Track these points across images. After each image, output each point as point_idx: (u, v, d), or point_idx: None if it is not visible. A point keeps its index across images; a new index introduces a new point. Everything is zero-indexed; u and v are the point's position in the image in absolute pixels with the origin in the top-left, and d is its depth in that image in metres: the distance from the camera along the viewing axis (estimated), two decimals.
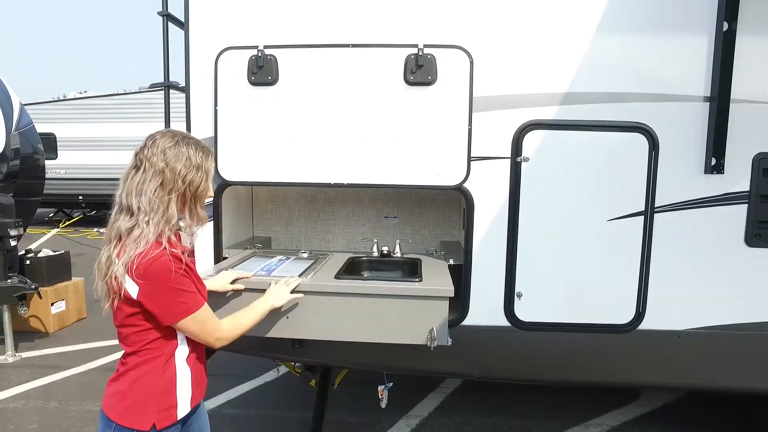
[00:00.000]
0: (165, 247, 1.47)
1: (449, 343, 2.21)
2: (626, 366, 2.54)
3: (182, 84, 2.72)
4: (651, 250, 2.47)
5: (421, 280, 2.28)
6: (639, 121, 2.39)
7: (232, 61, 2.46)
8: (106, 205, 11.34)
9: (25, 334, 5.16)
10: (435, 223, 3.31)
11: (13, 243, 4.56)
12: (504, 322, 2.54)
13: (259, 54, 2.42)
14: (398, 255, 2.89)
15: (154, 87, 12.18)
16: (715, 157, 2.36)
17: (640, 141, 2.40)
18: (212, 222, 2.62)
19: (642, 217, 2.45)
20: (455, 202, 3.29)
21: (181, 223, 1.59)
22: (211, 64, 2.49)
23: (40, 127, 6.69)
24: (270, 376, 4.31)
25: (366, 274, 2.74)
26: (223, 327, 1.68)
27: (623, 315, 2.52)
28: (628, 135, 2.41)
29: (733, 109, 2.32)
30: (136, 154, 1.56)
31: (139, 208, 1.49)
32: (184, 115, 2.64)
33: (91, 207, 13.48)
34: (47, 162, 6.35)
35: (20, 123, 5.54)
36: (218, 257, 2.64)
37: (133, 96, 12.07)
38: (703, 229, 2.44)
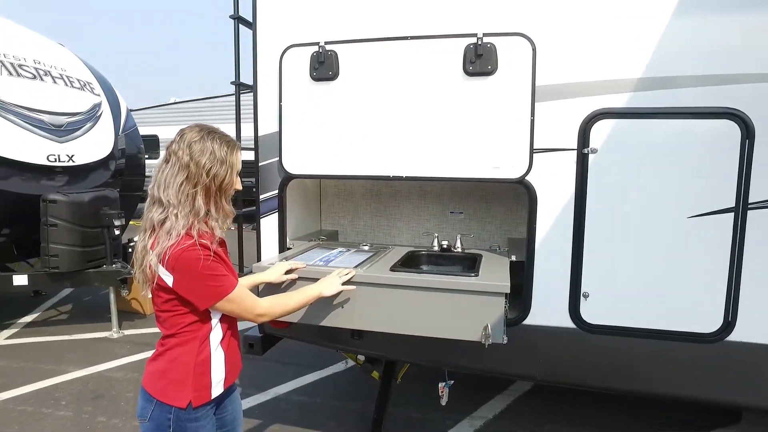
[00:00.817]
0: (195, 240, 1.54)
1: (504, 341, 2.13)
2: (708, 381, 2.29)
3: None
4: (743, 252, 2.21)
5: (477, 276, 2.22)
6: (729, 106, 2.14)
7: (295, 58, 2.56)
8: None
9: (127, 314, 5.74)
10: (502, 219, 3.20)
11: (117, 232, 5.09)
12: (568, 323, 2.39)
13: (320, 50, 2.48)
14: (459, 250, 2.83)
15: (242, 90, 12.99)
16: None
17: (731, 128, 2.15)
18: (277, 213, 2.73)
19: (732, 214, 2.19)
20: (523, 197, 3.15)
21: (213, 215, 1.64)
22: (277, 62, 2.60)
23: (145, 130, 7.39)
24: (338, 367, 4.42)
25: (424, 267, 2.71)
26: (263, 304, 1.75)
27: (708, 323, 2.27)
28: (715, 122, 2.17)
29: None
30: (167, 148, 1.63)
31: (168, 201, 1.55)
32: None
33: None
34: (149, 161, 7.02)
35: (126, 125, 6.16)
36: (282, 248, 2.75)
37: (221, 99, 12.96)
38: None
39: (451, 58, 2.36)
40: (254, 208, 2.81)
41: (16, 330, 5.40)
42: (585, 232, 2.32)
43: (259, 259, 2.80)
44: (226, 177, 1.63)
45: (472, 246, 2.99)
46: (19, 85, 4.99)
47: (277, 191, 2.71)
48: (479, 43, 2.29)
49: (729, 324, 2.25)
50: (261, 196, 2.75)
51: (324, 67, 2.50)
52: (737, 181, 2.17)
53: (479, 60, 2.30)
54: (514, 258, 2.54)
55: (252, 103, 2.76)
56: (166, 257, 1.52)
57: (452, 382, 2.97)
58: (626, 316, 2.32)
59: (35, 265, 5.30)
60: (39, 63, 5.38)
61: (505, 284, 2.12)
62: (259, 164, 2.74)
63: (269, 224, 2.76)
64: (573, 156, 2.30)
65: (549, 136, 2.31)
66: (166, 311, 1.63)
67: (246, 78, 2.92)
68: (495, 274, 2.26)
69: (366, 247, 2.92)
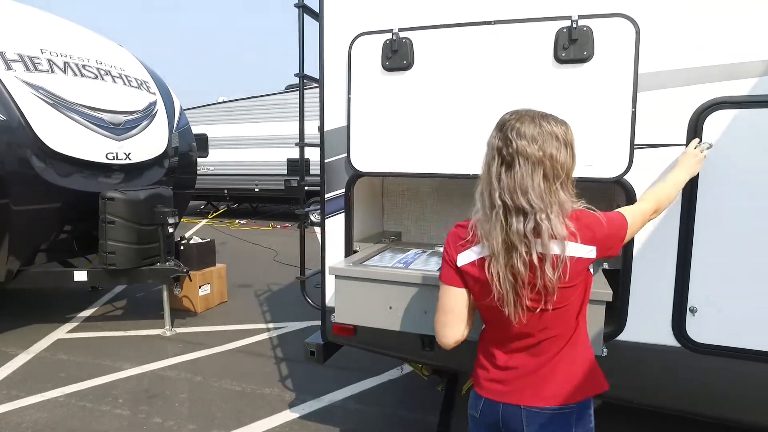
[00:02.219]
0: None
1: (604, 354, 1.90)
2: None
3: (315, 77, 2.73)
4: None
5: None
6: None
7: (365, 47, 2.39)
8: (246, 199, 12.36)
9: (179, 312, 5.77)
10: None
11: (170, 230, 5.10)
12: (672, 341, 2.13)
13: (394, 38, 2.31)
14: None
15: (289, 88, 13.05)
16: None
17: None
18: (343, 214, 2.58)
19: None
20: (608, 198, 2.88)
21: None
22: (345, 52, 2.44)
23: (194, 129, 7.47)
24: (394, 373, 4.26)
25: None
26: (648, 207, 1.71)
27: None
28: None
29: None
30: (499, 150, 1.41)
31: (531, 207, 1.37)
32: (316, 108, 2.65)
33: (235, 200, 14.88)
34: (198, 159, 7.07)
35: (179, 123, 6.21)
36: (349, 251, 2.59)
37: (270, 98, 13.04)
38: None
39: (540, 43, 2.13)
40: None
41: (76, 324, 5.51)
42: (694, 238, 2.05)
43: (323, 264, 2.66)
44: (572, 161, 1.47)
45: None
46: (82, 84, 5.07)
47: (343, 190, 2.56)
48: (574, 26, 2.05)
49: None
50: (326, 196, 2.60)
51: (398, 56, 2.32)
52: None
53: (573, 45, 2.07)
54: (606, 265, 2.29)
55: (315, 98, 2.61)
56: (577, 237, 1.40)
57: None
58: (742, 336, 2.03)
59: (93, 261, 5.39)
60: (100, 63, 5.47)
61: (606, 291, 1.89)
62: (325, 161, 2.59)
63: (334, 225, 2.61)
64: (681, 152, 2.03)
65: (652, 130, 2.05)
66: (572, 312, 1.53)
67: (310, 71, 2.79)
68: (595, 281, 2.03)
69: (440, 249, 2.73)
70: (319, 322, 2.82)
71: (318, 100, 2.60)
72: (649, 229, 2.10)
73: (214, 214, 14.99)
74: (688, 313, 2.09)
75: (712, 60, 1.97)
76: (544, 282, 1.39)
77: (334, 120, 2.54)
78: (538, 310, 1.44)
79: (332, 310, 2.55)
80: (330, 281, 2.59)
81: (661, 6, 2.01)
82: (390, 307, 2.16)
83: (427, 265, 2.30)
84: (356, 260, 2.36)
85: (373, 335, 2.35)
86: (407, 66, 2.32)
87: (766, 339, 2.01)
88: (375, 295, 2.17)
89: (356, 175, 2.52)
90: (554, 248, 1.38)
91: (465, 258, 1.50)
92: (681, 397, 2.17)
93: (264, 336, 5.19)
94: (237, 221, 14.06)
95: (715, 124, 1.97)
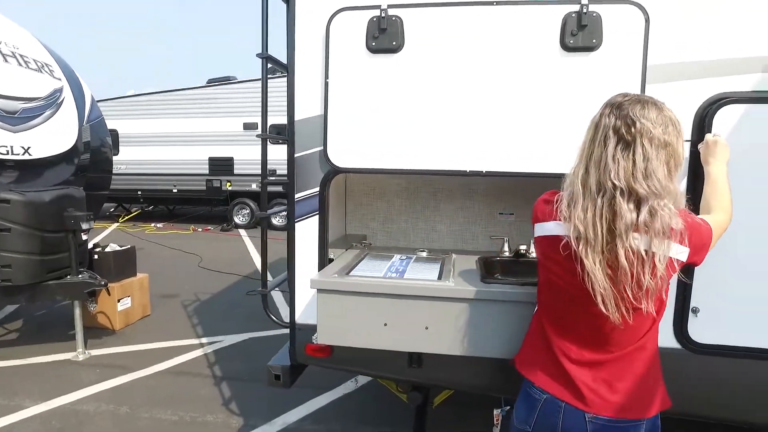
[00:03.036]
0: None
1: None
2: None
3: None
4: None
5: None
6: None
7: (347, 24, 2.09)
8: (163, 200, 11.33)
9: (93, 331, 5.00)
10: None
11: (84, 237, 4.39)
12: (673, 343, 2.05)
13: (382, 14, 2.03)
14: (534, 256, 2.44)
15: (211, 82, 12.19)
16: None
17: None
18: (315, 216, 2.25)
19: None
20: None
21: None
22: (321, 29, 2.12)
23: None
24: (349, 386, 3.95)
25: (512, 278, 2.30)
26: (723, 219, 1.57)
27: None
28: None
29: None
30: (617, 129, 1.32)
31: (654, 192, 1.28)
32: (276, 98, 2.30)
33: (149, 202, 13.66)
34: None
35: (91, 115, 5.41)
36: (323, 258, 2.27)
37: (190, 92, 12.10)
38: None
39: (545, 29, 1.96)
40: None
41: None
42: None
43: (291, 275, 2.31)
44: (683, 151, 1.38)
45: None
46: None
47: (317, 189, 2.23)
48: (584, 11, 1.90)
49: None
50: (296, 195, 2.26)
51: (386, 36, 2.04)
52: None
53: (582, 32, 1.92)
54: None
55: (277, 87, 2.26)
56: (675, 237, 1.31)
57: (508, 408, 2.58)
58: (747, 335, 1.99)
59: None
60: None
61: None
62: (295, 156, 2.25)
63: (305, 229, 2.27)
64: (686, 149, 1.95)
65: None
66: (653, 317, 1.42)
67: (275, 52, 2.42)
68: None
69: (424, 254, 2.50)
70: (262, 333, 2.46)
71: (282, 88, 2.26)
72: None
73: (126, 218, 13.65)
74: (690, 313, 2.03)
75: (719, 53, 1.91)
76: (646, 283, 1.29)
77: (306, 109, 2.20)
78: (643, 309, 1.33)
79: (306, 328, 2.22)
80: (303, 295, 2.25)
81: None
82: (385, 324, 1.88)
83: (422, 273, 2.05)
84: (339, 270, 2.05)
85: (353, 354, 2.05)
86: (397, 48, 2.05)
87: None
88: (368, 311, 1.88)
89: (333, 172, 2.21)
90: (662, 244, 1.28)
91: (544, 229, 1.48)
92: (684, 401, 2.10)
93: (197, 353, 4.63)
94: (152, 225, 12.89)
95: (722, 120, 1.91)
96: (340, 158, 2.16)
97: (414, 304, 1.86)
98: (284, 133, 2.35)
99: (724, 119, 1.90)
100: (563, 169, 1.98)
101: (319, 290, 1.90)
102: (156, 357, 4.53)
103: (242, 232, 12.09)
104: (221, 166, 11.81)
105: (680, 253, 1.34)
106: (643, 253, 1.29)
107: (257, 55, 2.34)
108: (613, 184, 1.30)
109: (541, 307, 1.59)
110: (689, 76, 1.92)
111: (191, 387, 3.95)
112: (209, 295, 6.54)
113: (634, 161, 1.30)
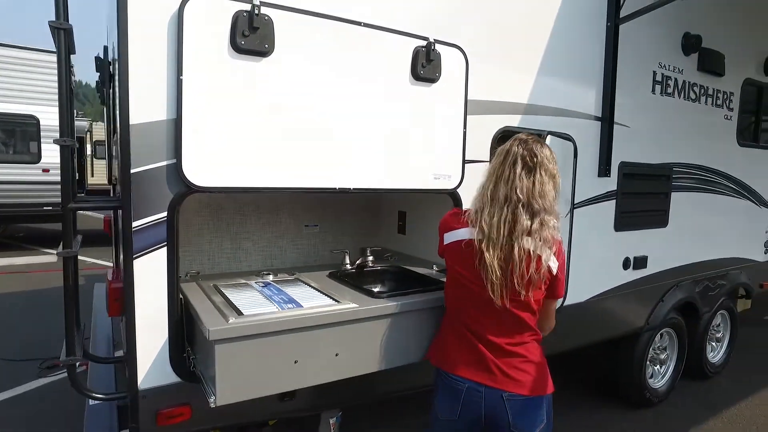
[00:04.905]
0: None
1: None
2: None
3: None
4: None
5: None
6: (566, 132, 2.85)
7: (207, 13, 1.70)
8: None
9: None
10: (356, 229, 3.08)
11: None
12: None
13: (255, 11, 1.75)
14: (374, 266, 2.58)
15: None
16: (604, 164, 3.03)
17: (567, 145, 2.84)
18: (165, 250, 1.75)
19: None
20: (373, 208, 3.13)
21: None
22: (170, 12, 1.66)
23: None
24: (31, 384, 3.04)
25: (376, 289, 2.33)
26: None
27: None
28: (559, 141, 2.82)
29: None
30: (523, 157, 1.69)
31: (544, 209, 1.67)
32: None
33: None
34: None
35: None
36: (174, 303, 1.77)
37: None
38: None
39: (401, 58, 2.14)
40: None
41: None
42: None
43: (130, 325, 1.71)
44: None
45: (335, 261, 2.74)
46: None
47: (164, 214, 1.73)
48: (432, 48, 2.18)
49: None
50: (135, 224, 1.69)
51: (257, 36, 1.77)
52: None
53: (430, 65, 2.19)
54: (435, 269, 2.54)
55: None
56: (554, 248, 1.69)
57: (340, 413, 2.67)
58: None
59: None
60: None
61: None
62: (131, 171, 1.67)
63: (149, 267, 1.72)
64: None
65: (471, 148, 2.44)
66: (533, 309, 1.74)
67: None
68: None
69: (270, 276, 2.28)
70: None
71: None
72: None
73: None
74: None
75: (502, 97, 2.55)
76: (529, 275, 1.63)
77: (146, 110, 1.66)
78: (522, 297, 1.67)
79: (153, 393, 1.75)
80: (149, 352, 1.75)
81: (473, 47, 2.39)
82: (296, 362, 1.69)
83: (311, 298, 1.92)
84: (224, 313, 1.68)
85: (219, 408, 1.74)
86: (267, 51, 1.81)
87: None
88: (278, 352, 1.65)
89: (187, 192, 1.76)
90: (545, 249, 1.65)
91: (456, 236, 1.77)
92: None
93: None
94: None
95: None
96: (199, 175, 1.74)
97: (323, 334, 1.74)
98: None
99: None
100: (414, 184, 2.25)
101: (217, 342, 1.53)
102: None
103: None
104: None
105: (554, 263, 1.70)
106: (531, 253, 1.66)
107: (50, 23, 1.58)
108: (518, 197, 1.65)
109: (450, 303, 1.84)
110: (491, 112, 2.49)
111: None
112: None
113: (533, 182, 1.68)
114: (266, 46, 1.80)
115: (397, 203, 3.02)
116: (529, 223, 1.64)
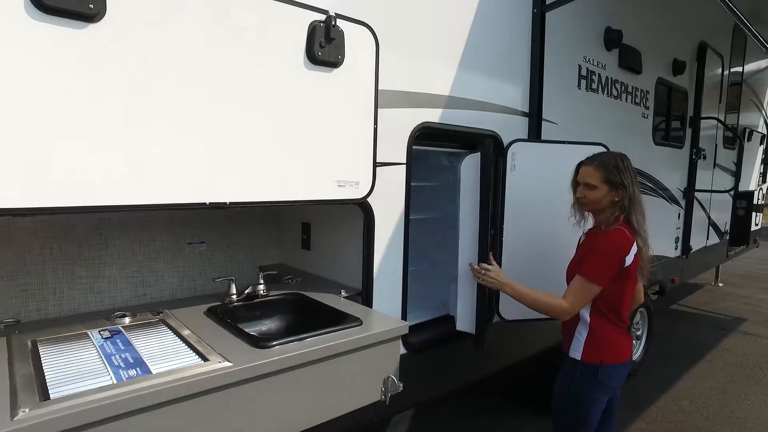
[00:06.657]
0: None
1: (401, 388, 1.78)
2: None
3: None
4: None
5: (361, 324, 1.73)
6: (491, 129, 2.55)
7: None
8: None
9: None
10: (251, 245, 2.58)
11: None
12: None
13: None
14: (267, 294, 2.10)
15: None
16: None
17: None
18: None
19: None
20: (272, 218, 2.66)
21: None
22: None
23: None
24: None
25: (264, 327, 1.85)
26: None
27: None
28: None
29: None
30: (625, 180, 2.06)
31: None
32: None
33: None
34: None
35: None
36: None
37: None
38: None
39: (293, 35, 1.69)
40: None
41: None
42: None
43: None
44: None
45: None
46: None
47: None
48: (333, 24, 1.75)
49: None
50: None
51: None
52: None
53: (330, 45, 1.76)
54: (344, 293, 2.12)
55: None
56: None
57: None
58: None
59: None
60: None
61: (403, 324, 1.78)
62: None
63: None
64: (402, 171, 2.15)
65: (384, 149, 2.05)
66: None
67: None
68: (373, 315, 1.85)
69: (127, 320, 1.74)
70: None
71: None
72: (383, 249, 2.11)
73: None
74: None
75: (421, 88, 2.17)
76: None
77: None
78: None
79: None
80: None
81: (385, 27, 2.00)
82: None
83: (170, 356, 1.43)
84: (22, 396, 1.15)
85: None
86: (93, 13, 1.29)
87: None
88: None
89: None
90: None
91: (632, 253, 1.97)
92: None
93: None
94: None
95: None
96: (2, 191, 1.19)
97: (183, 411, 1.26)
98: None
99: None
100: (312, 195, 1.81)
101: None
102: None
103: None
104: None
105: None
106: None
107: None
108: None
109: (626, 308, 2.04)
110: (408, 105, 2.11)
111: None
112: None
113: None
114: (91, 6, 1.28)
115: (299, 213, 2.57)
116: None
